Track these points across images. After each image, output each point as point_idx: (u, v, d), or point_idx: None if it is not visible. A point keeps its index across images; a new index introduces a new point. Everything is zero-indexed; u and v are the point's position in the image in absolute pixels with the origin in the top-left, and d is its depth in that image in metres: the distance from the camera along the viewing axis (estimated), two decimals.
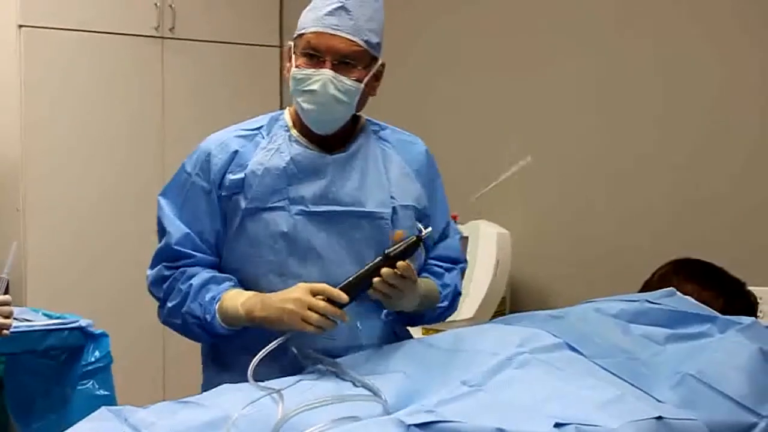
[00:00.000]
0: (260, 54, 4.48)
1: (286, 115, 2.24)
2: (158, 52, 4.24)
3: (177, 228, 2.17)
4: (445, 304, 2.30)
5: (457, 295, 2.34)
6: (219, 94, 4.29)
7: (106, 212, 3.99)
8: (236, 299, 2.08)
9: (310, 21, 2.12)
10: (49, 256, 3.98)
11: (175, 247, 2.15)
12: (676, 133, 3.19)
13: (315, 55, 2.10)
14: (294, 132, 2.19)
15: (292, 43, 2.17)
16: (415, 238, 2.04)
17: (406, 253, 2.04)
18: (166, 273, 2.16)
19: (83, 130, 4.07)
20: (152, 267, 2.21)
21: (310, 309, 1.97)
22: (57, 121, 4.01)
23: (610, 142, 3.39)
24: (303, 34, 2.12)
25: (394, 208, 2.20)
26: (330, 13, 2.09)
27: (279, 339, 2.01)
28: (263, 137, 2.19)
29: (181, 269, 2.15)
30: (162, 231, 2.20)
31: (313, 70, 2.10)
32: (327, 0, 2.11)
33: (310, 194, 2.14)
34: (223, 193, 2.15)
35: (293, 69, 2.13)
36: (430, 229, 2.10)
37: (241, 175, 2.14)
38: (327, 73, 2.09)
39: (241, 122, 2.25)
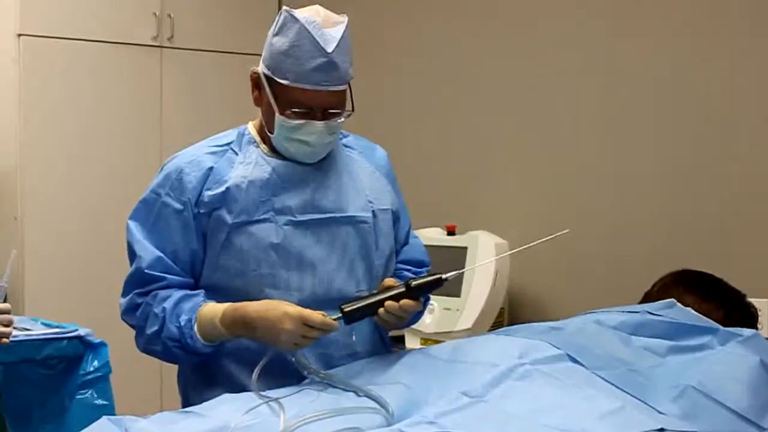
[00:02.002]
0: (259, 63, 4.47)
1: (252, 131, 2.23)
2: (157, 61, 4.24)
3: (148, 251, 2.12)
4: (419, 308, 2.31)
5: (427, 299, 2.33)
6: (217, 103, 4.29)
7: (105, 220, 3.98)
8: (213, 317, 2.06)
9: (293, 73, 2.05)
10: (47, 265, 3.97)
11: (147, 271, 2.10)
12: (676, 144, 3.19)
13: (304, 110, 2.09)
14: (264, 147, 2.19)
15: (261, 74, 2.12)
16: (439, 277, 2.07)
17: (426, 287, 2.07)
18: (138, 300, 2.12)
19: (82, 139, 4.07)
20: (124, 294, 2.16)
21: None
22: (55, 130, 4.00)
23: (609, 153, 3.39)
24: (285, 84, 2.07)
25: (373, 212, 2.23)
26: (316, 69, 2.05)
27: (271, 353, 2.01)
28: (236, 153, 2.18)
29: (153, 293, 2.11)
30: (131, 255, 2.15)
31: (304, 121, 2.09)
32: (309, 50, 2.04)
33: (296, 203, 2.14)
34: (201, 211, 2.12)
35: (279, 117, 2.09)
36: (454, 273, 2.09)
37: (221, 190, 2.11)
38: (319, 125, 2.10)
39: (205, 139, 2.23)
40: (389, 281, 2.14)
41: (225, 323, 2.04)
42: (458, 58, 3.89)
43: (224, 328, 2.04)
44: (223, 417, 1.80)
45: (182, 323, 2.06)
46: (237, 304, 2.06)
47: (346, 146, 2.30)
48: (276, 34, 2.09)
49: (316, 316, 1.98)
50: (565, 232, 2.18)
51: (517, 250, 2.21)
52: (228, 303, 2.07)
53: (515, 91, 3.68)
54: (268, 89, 2.11)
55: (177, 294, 2.10)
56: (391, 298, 2.05)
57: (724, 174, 3.07)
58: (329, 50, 2.05)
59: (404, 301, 2.04)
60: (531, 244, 2.17)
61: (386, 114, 4.04)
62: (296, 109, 2.08)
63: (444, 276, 2.07)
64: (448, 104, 3.93)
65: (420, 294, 2.08)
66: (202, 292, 2.13)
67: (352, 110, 2.16)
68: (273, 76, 2.09)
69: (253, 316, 2.01)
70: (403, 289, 2.06)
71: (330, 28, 2.07)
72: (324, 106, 2.10)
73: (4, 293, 2.29)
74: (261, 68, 2.13)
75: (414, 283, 2.06)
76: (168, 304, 2.08)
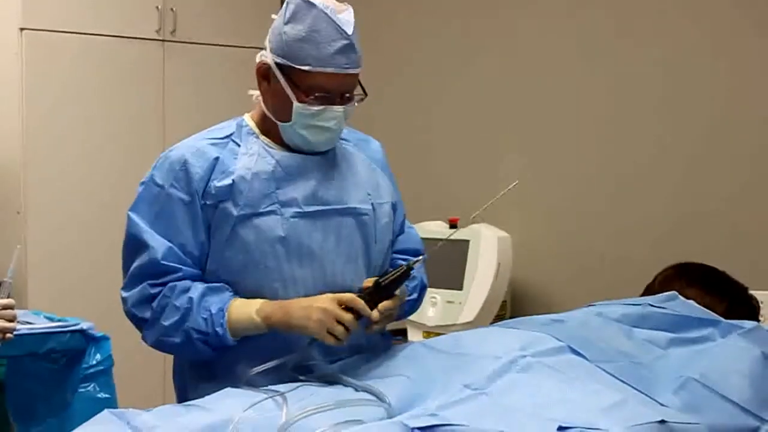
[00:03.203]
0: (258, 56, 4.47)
1: (249, 122, 2.21)
2: (160, 55, 4.24)
3: (160, 242, 2.07)
4: (414, 296, 2.31)
5: (423, 287, 2.35)
6: (220, 97, 4.28)
7: (107, 215, 3.98)
8: (247, 308, 2.05)
9: (314, 58, 2.04)
10: (50, 259, 3.97)
11: (162, 262, 2.06)
12: (678, 137, 3.20)
13: (324, 95, 2.08)
14: (264, 139, 2.18)
15: (272, 64, 2.10)
16: (405, 268, 2.06)
17: (397, 282, 2.07)
18: (153, 291, 2.07)
19: (84, 133, 4.07)
20: (131, 287, 2.10)
21: (337, 320, 1.98)
22: (58, 124, 4.00)
23: (612, 147, 3.39)
24: (306, 71, 2.05)
25: (372, 205, 2.23)
26: (338, 52, 2.04)
27: (284, 358, 2.03)
28: (237, 144, 2.15)
29: (170, 285, 2.06)
30: (138, 247, 2.10)
31: (324, 107, 2.08)
32: (328, 34, 2.04)
33: (302, 195, 2.13)
34: (207, 202, 2.09)
35: (298, 104, 2.08)
36: (421, 257, 2.11)
37: (228, 181, 2.08)
38: (339, 110, 2.10)
39: (203, 131, 2.21)
40: (367, 283, 2.12)
41: (262, 314, 2.03)
42: (461, 51, 3.89)
43: (261, 319, 2.03)
44: (226, 410, 1.80)
45: (213, 311, 2.03)
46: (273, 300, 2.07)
47: (341, 138, 2.28)
48: (288, 23, 2.08)
49: (347, 294, 2.01)
50: (515, 183, 2.18)
51: (482, 209, 2.19)
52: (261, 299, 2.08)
53: (519, 85, 3.69)
54: (282, 78, 2.09)
55: (200, 285, 2.07)
56: (369, 293, 2.05)
57: (726, 167, 3.07)
58: (349, 32, 2.06)
59: (382, 304, 2.05)
60: (489, 203, 2.17)
61: (389, 107, 4.04)
62: (318, 94, 2.07)
63: (408, 264, 2.07)
64: (450, 97, 3.93)
65: (392, 290, 2.07)
66: (225, 285, 2.10)
67: (365, 94, 2.16)
68: (291, 64, 2.07)
69: (291, 300, 2.04)
70: (372, 287, 2.05)
71: (342, 14, 2.08)
72: (344, 90, 2.10)
73: (8, 289, 2.29)
74: (271, 58, 2.11)
75: (383, 282, 2.05)
76: (194, 295, 2.04)
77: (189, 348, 2.07)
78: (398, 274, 2.06)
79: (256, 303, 2.06)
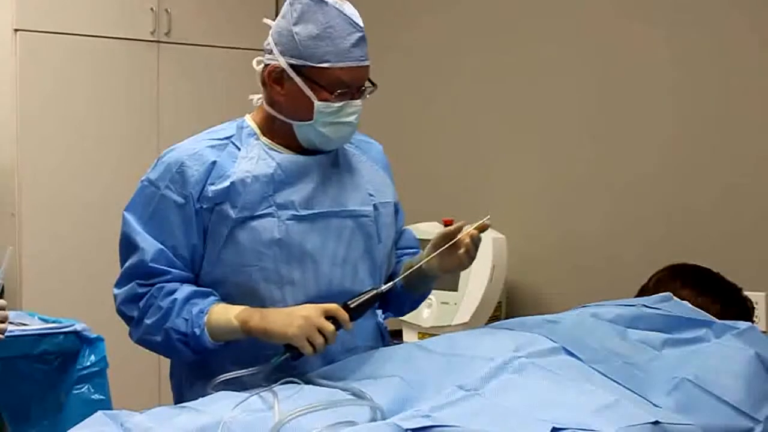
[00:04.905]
0: (254, 60, 4.47)
1: (250, 123, 2.21)
2: (154, 56, 4.24)
3: (150, 244, 2.08)
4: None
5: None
6: (215, 98, 4.28)
7: (102, 216, 3.98)
8: (227, 312, 2.05)
9: (332, 54, 2.05)
10: (44, 260, 3.97)
11: (151, 265, 2.07)
12: (672, 140, 3.20)
13: (344, 90, 2.09)
14: (264, 140, 2.17)
15: (286, 65, 2.09)
16: (374, 293, 2.08)
17: (364, 306, 2.07)
18: (141, 291, 2.08)
19: (79, 135, 4.07)
20: (121, 285, 2.12)
21: (318, 330, 1.97)
22: (52, 126, 4.00)
23: (607, 149, 3.39)
24: (326, 68, 2.06)
25: (374, 206, 2.22)
26: (354, 45, 2.06)
27: (269, 363, 2.01)
28: (237, 147, 2.15)
29: (158, 285, 2.07)
30: (130, 247, 2.11)
31: (344, 103, 2.09)
32: (345, 28, 2.06)
33: (300, 198, 2.12)
34: (203, 206, 2.08)
35: (319, 103, 2.07)
36: (391, 283, 2.12)
37: (225, 185, 2.08)
38: (358, 103, 2.11)
39: (203, 132, 2.21)
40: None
41: (240, 318, 2.03)
42: (456, 54, 3.89)
43: (239, 323, 2.02)
44: (219, 412, 1.79)
45: (194, 313, 2.03)
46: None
47: None
48: (297, 23, 2.08)
49: (332, 305, 2.01)
50: (486, 218, 2.19)
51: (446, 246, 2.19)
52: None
53: (513, 86, 3.68)
54: (299, 79, 2.08)
55: (188, 288, 2.08)
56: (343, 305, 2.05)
57: (721, 168, 3.07)
58: (361, 24, 2.08)
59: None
60: (454, 241, 2.19)
61: (384, 109, 4.02)
62: (339, 90, 2.07)
63: (378, 290, 2.08)
64: (445, 99, 3.93)
65: (362, 312, 2.07)
66: (212, 290, 2.10)
67: (375, 86, 2.16)
68: (308, 63, 2.07)
69: (271, 309, 2.04)
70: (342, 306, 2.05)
71: (346, 7, 2.10)
72: (359, 83, 2.11)
73: (0, 290, 2.29)
74: (282, 61, 2.10)
75: (352, 304, 2.05)
76: (179, 296, 2.05)
77: (169, 347, 2.08)
78: (368, 297, 2.07)
79: (237, 308, 2.06)
